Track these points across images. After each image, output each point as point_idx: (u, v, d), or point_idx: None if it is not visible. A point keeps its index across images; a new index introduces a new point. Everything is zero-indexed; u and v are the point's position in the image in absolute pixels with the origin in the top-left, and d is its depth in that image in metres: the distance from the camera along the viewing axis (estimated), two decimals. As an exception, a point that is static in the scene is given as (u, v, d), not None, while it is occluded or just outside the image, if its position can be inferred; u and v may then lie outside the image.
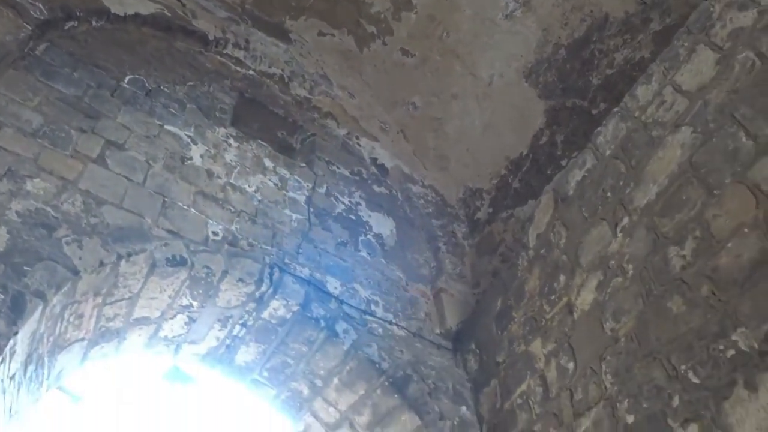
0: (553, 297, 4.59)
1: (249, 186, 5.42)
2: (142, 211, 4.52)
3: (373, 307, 5.30)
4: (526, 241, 5.16)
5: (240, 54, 6.72)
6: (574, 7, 5.45)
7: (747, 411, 2.85)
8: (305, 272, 5.12)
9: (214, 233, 4.82)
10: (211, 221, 4.88)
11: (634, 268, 3.85)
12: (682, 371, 3.26)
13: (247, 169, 5.56)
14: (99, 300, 4.37)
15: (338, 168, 6.44)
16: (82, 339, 4.58)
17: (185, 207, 4.82)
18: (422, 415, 4.80)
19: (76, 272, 3.89)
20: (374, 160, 6.85)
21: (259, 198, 5.40)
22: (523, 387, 4.61)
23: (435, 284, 5.88)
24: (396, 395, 4.92)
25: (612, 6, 5.21)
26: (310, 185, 5.94)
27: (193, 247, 4.61)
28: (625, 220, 4.06)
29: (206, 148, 5.43)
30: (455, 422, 4.86)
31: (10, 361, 3.50)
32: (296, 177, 5.91)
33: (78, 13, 5.41)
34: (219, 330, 5.12)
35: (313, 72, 7.17)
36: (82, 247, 4.02)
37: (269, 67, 6.87)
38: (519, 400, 4.61)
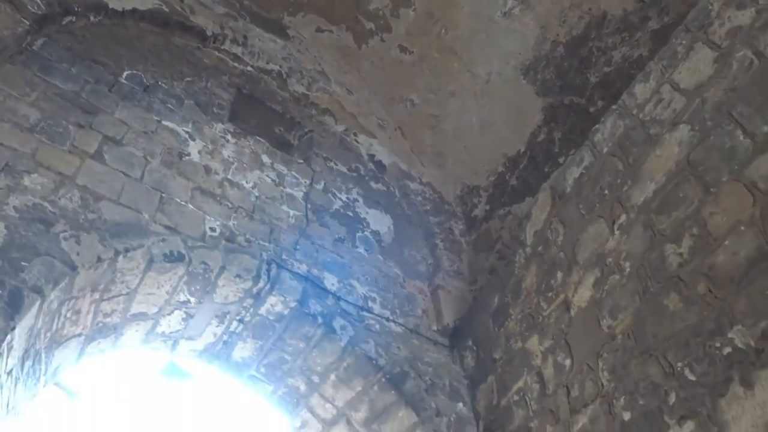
0: (550, 294, 4.60)
1: (246, 182, 5.42)
2: (139, 206, 4.52)
3: (370, 304, 5.30)
4: (524, 238, 5.17)
5: (238, 50, 6.71)
6: (573, 5, 5.45)
7: (743, 408, 2.87)
8: (303, 268, 5.12)
9: (212, 229, 4.82)
10: (208, 217, 4.88)
11: (631, 266, 3.86)
12: (679, 368, 3.28)
13: (245, 165, 5.56)
14: (96, 296, 4.37)
15: (336, 164, 6.44)
16: (80, 335, 4.58)
17: (183, 203, 4.82)
18: (419, 412, 4.80)
19: (73, 268, 3.88)
20: (372, 156, 6.86)
21: (257, 194, 5.40)
22: (520, 384, 4.62)
23: (432, 281, 5.89)
24: (393, 391, 4.92)
25: (610, 4, 5.21)
26: (308, 181, 5.94)
27: (191, 243, 4.61)
28: (623, 217, 4.07)
29: (204, 143, 5.43)
30: (452, 419, 4.87)
31: (7, 357, 3.49)
32: (294, 173, 5.91)
33: (76, 8, 5.40)
34: (216, 326, 5.12)
35: (311, 68, 7.17)
36: (79, 242, 4.02)
37: (267, 63, 6.86)
38: (516, 397, 4.62)
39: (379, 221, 6.19)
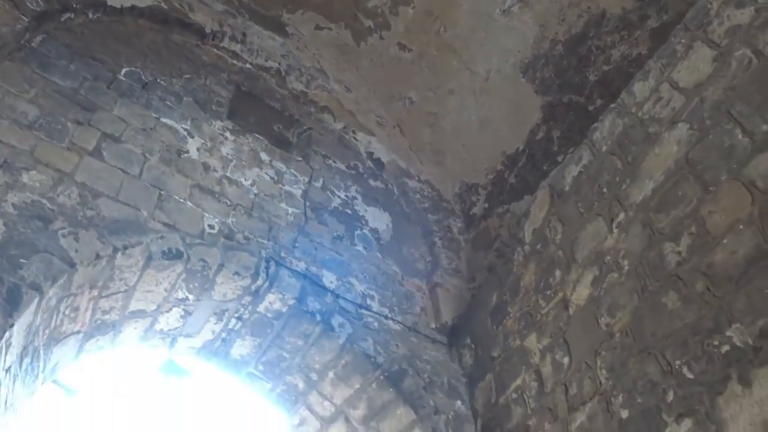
0: (548, 292, 4.61)
1: (245, 179, 5.42)
2: (138, 203, 4.52)
3: (368, 302, 5.30)
4: (522, 236, 5.17)
5: (237, 47, 6.71)
6: (572, 3, 5.45)
7: (741, 406, 2.87)
8: (301, 266, 5.12)
9: (210, 226, 4.82)
10: (207, 214, 4.88)
11: (630, 264, 3.87)
12: (677, 366, 3.28)
13: (244, 163, 5.56)
14: (95, 293, 4.37)
15: (334, 162, 6.44)
16: (78, 332, 4.58)
17: (181, 200, 4.82)
18: (417, 410, 4.81)
19: (72, 265, 3.88)
20: (370, 154, 6.86)
21: (256, 191, 5.40)
22: (518, 382, 4.62)
23: (431, 279, 5.89)
24: (391, 389, 4.92)
25: (609, 2, 5.21)
26: (307, 179, 5.94)
27: (189, 240, 4.61)
28: (621, 215, 4.07)
29: (202, 141, 5.42)
30: (450, 416, 4.87)
31: (5, 354, 3.49)
32: (292, 171, 5.91)
33: (74, 5, 5.39)
34: (215, 323, 5.12)
35: (309, 66, 7.16)
36: (78, 239, 4.01)
37: (266, 60, 6.86)
38: (514, 395, 4.63)
39: (378, 219, 6.19)
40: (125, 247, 4.23)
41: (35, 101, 4.60)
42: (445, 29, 6.36)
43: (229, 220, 4.97)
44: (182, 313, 4.99)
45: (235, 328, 5.14)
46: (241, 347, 5.29)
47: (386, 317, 5.29)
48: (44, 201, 4.06)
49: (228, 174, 5.33)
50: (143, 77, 5.54)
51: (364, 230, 5.96)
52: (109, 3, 5.75)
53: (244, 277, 4.75)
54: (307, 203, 5.71)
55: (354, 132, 6.94)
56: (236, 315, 5.03)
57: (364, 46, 7.04)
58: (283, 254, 5.08)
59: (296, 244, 5.26)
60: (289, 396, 5.50)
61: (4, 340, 3.37)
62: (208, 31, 6.52)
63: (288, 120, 6.60)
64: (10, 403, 3.91)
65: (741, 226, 3.16)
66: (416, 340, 5.32)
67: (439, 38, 6.44)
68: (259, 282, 4.80)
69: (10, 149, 4.16)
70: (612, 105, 4.56)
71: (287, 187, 5.70)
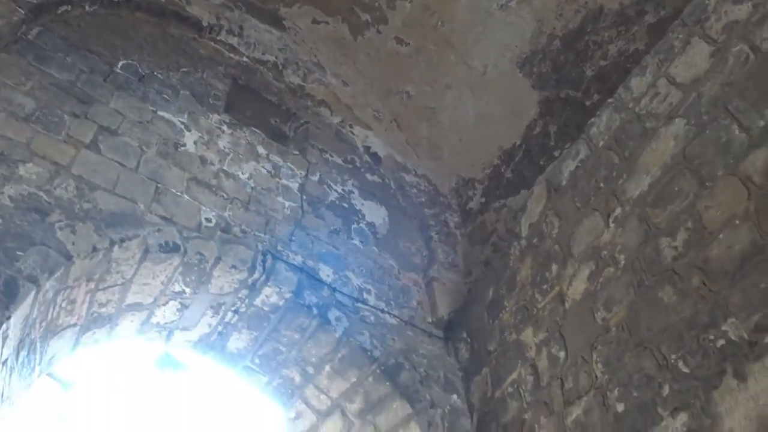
0: (544, 286, 4.62)
1: (242, 173, 5.42)
2: (135, 196, 4.52)
3: (365, 295, 5.31)
4: (519, 230, 5.18)
5: (234, 41, 6.69)
6: (569, -2, 5.45)
7: (736, 400, 2.89)
8: (298, 260, 5.13)
9: (207, 220, 4.82)
10: (204, 208, 4.88)
11: (626, 259, 3.88)
12: (672, 361, 3.30)
13: (241, 156, 5.56)
14: (92, 285, 4.36)
15: (331, 156, 6.44)
16: (75, 324, 4.58)
17: (178, 193, 4.81)
18: (413, 403, 4.83)
19: (69, 257, 3.88)
20: (367, 148, 6.86)
21: (252, 185, 5.39)
22: (514, 376, 4.64)
23: (427, 273, 5.90)
24: (387, 383, 4.94)
25: (607, -3, 5.22)
26: (303, 173, 5.94)
27: (186, 234, 4.61)
28: (618, 210, 4.08)
29: (199, 134, 5.42)
30: (446, 410, 4.89)
31: (2, 346, 3.49)
32: (289, 164, 5.91)
33: (71, -3, 5.38)
34: (211, 317, 5.13)
35: (306, 59, 7.15)
36: (75, 232, 4.01)
37: (263, 54, 6.85)
38: (510, 389, 4.64)
39: (375, 213, 6.20)
40: (122, 240, 4.23)
41: (32, 93, 4.59)
42: (442, 24, 6.35)
43: (226, 214, 4.97)
44: (179, 306, 4.99)
45: (232, 322, 5.15)
46: (238, 341, 5.30)
47: (383, 311, 5.30)
48: (41, 193, 4.06)
49: (225, 167, 5.33)
50: (140, 70, 5.53)
51: (361, 224, 5.97)
52: (105, -5, 5.74)
53: (240, 270, 4.75)
54: (304, 197, 5.71)
55: (351, 126, 6.94)
56: (233, 308, 5.04)
57: (361, 40, 7.02)
58: (279, 248, 5.08)
59: (293, 238, 5.26)
60: (286, 389, 5.51)
61: (0, 332, 3.37)
62: (205, 24, 6.51)
63: (285, 114, 6.59)
64: (7, 396, 3.91)
65: (737, 222, 3.17)
66: (412, 334, 5.33)
67: (436, 33, 6.43)
68: (256, 275, 4.80)
69: (7, 141, 4.15)
70: (609, 100, 4.56)
71: (284, 181, 5.70)
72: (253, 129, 5.94)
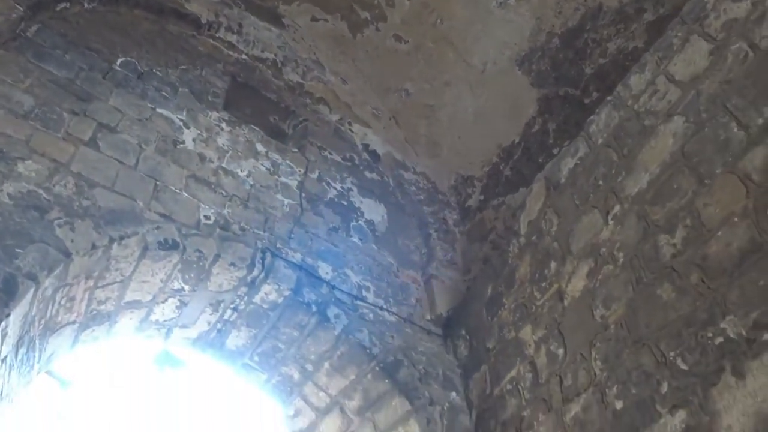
0: (543, 284, 4.62)
1: (241, 170, 5.42)
2: (134, 194, 4.52)
3: (364, 293, 5.32)
4: (517, 228, 5.18)
5: (233, 38, 6.69)
6: (568, -4, 5.46)
7: (734, 398, 2.89)
8: (297, 257, 5.13)
9: (206, 217, 4.82)
10: (203, 205, 4.88)
11: (625, 256, 3.88)
12: (671, 358, 3.30)
13: (239, 154, 5.56)
14: (91, 283, 4.36)
15: (330, 154, 6.44)
16: (74, 322, 4.58)
17: (177, 190, 4.81)
18: (412, 400, 4.83)
19: (68, 255, 3.88)
20: (366, 146, 6.86)
21: (251, 182, 5.39)
22: (513, 373, 4.64)
23: (426, 270, 5.90)
24: (386, 380, 4.94)
25: (606, -5, 5.22)
26: (302, 170, 5.94)
27: (185, 231, 4.61)
28: (617, 208, 4.09)
29: (198, 131, 5.41)
30: (445, 407, 4.89)
31: (1, 344, 3.49)
32: (288, 162, 5.91)
33: (70, -5, 5.38)
34: (210, 314, 5.13)
35: (305, 57, 7.15)
36: (74, 229, 4.01)
37: (262, 51, 6.85)
38: (509, 386, 4.65)
39: (373, 211, 6.20)
40: (121, 238, 4.23)
41: (30, 91, 4.58)
42: (441, 21, 6.35)
43: (225, 211, 4.97)
44: (178, 303, 4.99)
45: (231, 319, 5.15)
46: (237, 338, 5.30)
47: (381, 308, 5.30)
48: (40, 191, 4.06)
49: (224, 165, 5.33)
50: (139, 67, 5.52)
51: (360, 222, 5.97)
52: (104, -7, 5.74)
53: (239, 268, 4.75)
54: (303, 194, 5.71)
55: (350, 124, 6.94)
56: (232, 306, 5.04)
57: (360, 38, 7.03)
58: (278, 245, 5.09)
59: (292, 236, 5.26)
60: (285, 387, 5.51)
61: (0, 329, 3.37)
62: (203, 21, 6.51)
63: (284, 111, 6.59)
64: (6, 394, 3.91)
65: (735, 219, 3.17)
66: (411, 331, 5.33)
67: (435, 30, 6.43)
68: (255, 273, 4.81)
69: (6, 139, 4.15)
70: (608, 98, 4.57)
71: (283, 179, 5.70)
72: (252, 126, 5.93)
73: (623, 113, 4.33)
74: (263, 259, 4.87)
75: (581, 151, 4.66)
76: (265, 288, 4.88)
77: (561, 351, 4.21)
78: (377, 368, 4.96)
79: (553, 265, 4.58)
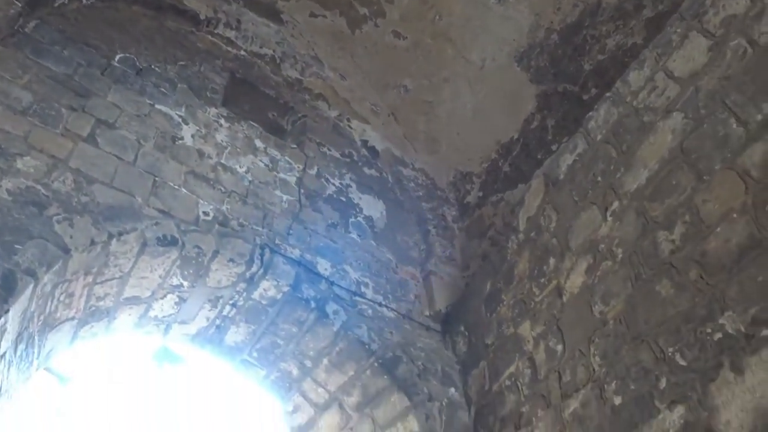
0: (542, 280, 4.63)
1: (240, 166, 5.42)
2: (132, 190, 4.51)
3: (363, 289, 5.32)
4: (516, 224, 5.18)
5: (231, 34, 6.68)
6: (567, -8, 5.45)
7: (733, 393, 2.90)
8: (296, 253, 5.13)
9: (205, 213, 4.82)
10: (201, 201, 4.87)
11: (624, 252, 3.89)
12: (670, 354, 3.31)
13: (238, 150, 5.55)
14: (89, 279, 4.36)
15: (329, 150, 6.43)
16: (73, 318, 4.58)
17: (176, 187, 4.81)
18: (411, 396, 4.84)
19: (66, 251, 3.88)
20: (365, 142, 6.86)
21: (250, 178, 5.39)
22: (512, 369, 4.65)
23: (425, 267, 5.91)
24: (385, 376, 4.95)
25: (605, -9, 5.21)
26: (301, 166, 5.94)
27: (184, 227, 4.61)
28: (615, 204, 4.09)
29: (197, 128, 5.41)
30: (444, 403, 4.90)
31: (0, 340, 3.49)
32: (287, 158, 5.90)
33: (68, -10, 5.36)
34: (209, 310, 5.13)
35: (304, 53, 7.14)
36: (72, 225, 4.01)
37: (261, 47, 6.84)
38: (507, 382, 4.65)
39: (372, 207, 6.20)
40: (120, 234, 4.23)
41: (29, 87, 4.58)
42: (440, 17, 6.34)
43: (224, 207, 4.97)
44: (177, 299, 5.00)
45: (230, 315, 5.15)
46: (236, 334, 5.30)
47: (380, 304, 5.31)
48: (39, 187, 4.06)
49: (222, 161, 5.33)
50: (137, 63, 5.52)
51: (359, 218, 5.97)
52: (102, -12, 5.72)
53: (238, 263, 4.76)
54: (302, 191, 5.71)
55: (348, 120, 6.93)
56: (231, 302, 5.04)
57: (359, 34, 7.01)
58: (277, 241, 5.09)
59: (291, 232, 5.26)
60: (284, 383, 5.52)
61: (-1, 325, 3.38)
62: (202, 17, 6.50)
63: (282, 107, 6.59)
64: (5, 390, 3.91)
65: (734, 215, 3.18)
66: (410, 327, 5.34)
67: (434, 26, 6.42)
68: (254, 269, 4.81)
69: (4, 135, 4.15)
70: (607, 94, 4.57)
71: (282, 175, 5.69)
72: (251, 122, 5.93)
73: (622, 109, 4.33)
74: (262, 255, 4.87)
75: (580, 147, 4.66)
76: (264, 284, 4.88)
77: (560, 347, 4.22)
78: (376, 364, 4.96)
79: (551, 261, 4.58)
